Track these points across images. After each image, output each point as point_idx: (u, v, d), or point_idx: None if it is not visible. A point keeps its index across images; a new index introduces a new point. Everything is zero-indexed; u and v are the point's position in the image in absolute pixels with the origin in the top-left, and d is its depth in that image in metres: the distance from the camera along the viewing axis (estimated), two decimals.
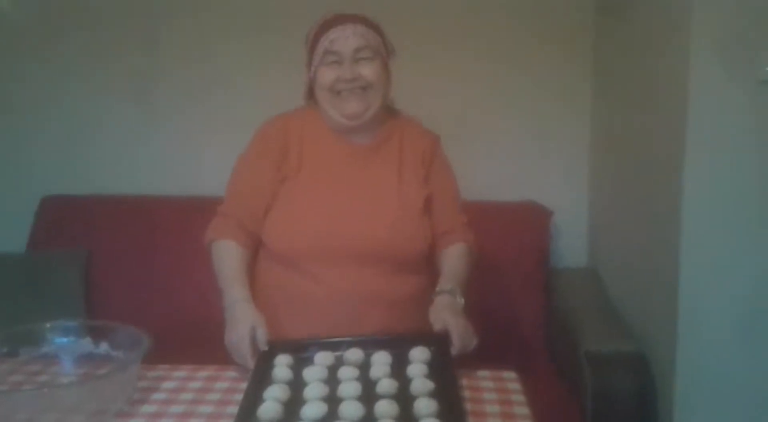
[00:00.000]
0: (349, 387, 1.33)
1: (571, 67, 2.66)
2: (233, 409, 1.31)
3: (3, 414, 1.27)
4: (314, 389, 1.33)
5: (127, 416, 1.37)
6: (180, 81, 2.72)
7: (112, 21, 2.70)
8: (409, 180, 1.72)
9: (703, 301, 1.81)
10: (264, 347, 1.49)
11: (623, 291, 2.34)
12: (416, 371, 1.39)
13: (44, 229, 2.64)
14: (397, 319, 1.64)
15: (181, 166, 2.76)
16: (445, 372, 1.38)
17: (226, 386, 1.49)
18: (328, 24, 1.66)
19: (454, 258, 1.72)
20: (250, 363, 1.47)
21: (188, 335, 2.19)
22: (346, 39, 1.64)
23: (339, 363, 1.45)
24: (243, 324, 1.51)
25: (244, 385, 1.38)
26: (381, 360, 1.44)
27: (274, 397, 1.30)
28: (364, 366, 1.43)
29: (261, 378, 1.39)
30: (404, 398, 1.30)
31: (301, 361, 1.45)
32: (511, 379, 1.49)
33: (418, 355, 1.45)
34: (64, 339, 1.53)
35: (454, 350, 1.47)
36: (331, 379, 1.38)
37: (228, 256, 1.67)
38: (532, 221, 2.58)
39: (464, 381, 1.45)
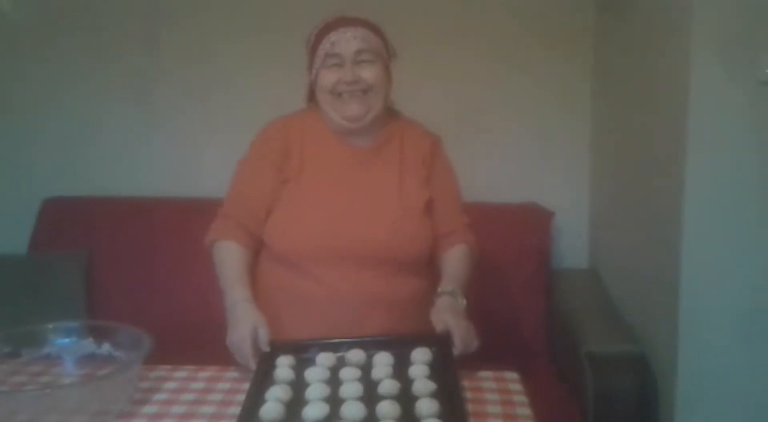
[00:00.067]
0: (351, 387, 1.33)
1: (571, 67, 2.65)
2: (235, 410, 1.31)
3: (5, 414, 1.27)
4: (316, 390, 1.33)
5: (128, 416, 1.37)
6: (180, 81, 2.72)
7: (112, 21, 2.70)
8: (410, 181, 1.72)
9: (703, 302, 1.81)
10: (266, 347, 1.49)
11: (624, 292, 2.34)
12: (418, 372, 1.39)
13: (45, 231, 2.64)
14: (398, 320, 1.64)
15: (181, 167, 2.76)
16: (447, 373, 1.38)
17: (227, 386, 1.49)
18: (330, 26, 1.66)
19: (455, 260, 1.72)
20: (252, 364, 1.47)
21: (189, 335, 2.19)
22: (347, 42, 1.63)
23: (341, 363, 1.45)
24: (244, 324, 1.52)
25: (245, 386, 1.38)
26: (383, 361, 1.44)
27: (275, 398, 1.30)
28: (366, 367, 1.43)
29: (263, 378, 1.39)
30: (406, 399, 1.30)
31: (302, 362, 1.45)
32: (513, 380, 1.49)
33: (420, 356, 1.45)
34: (66, 340, 1.53)
35: (456, 351, 1.47)
36: (333, 380, 1.38)
37: (229, 257, 1.67)
38: (532, 222, 2.57)
39: (466, 382, 1.45)
